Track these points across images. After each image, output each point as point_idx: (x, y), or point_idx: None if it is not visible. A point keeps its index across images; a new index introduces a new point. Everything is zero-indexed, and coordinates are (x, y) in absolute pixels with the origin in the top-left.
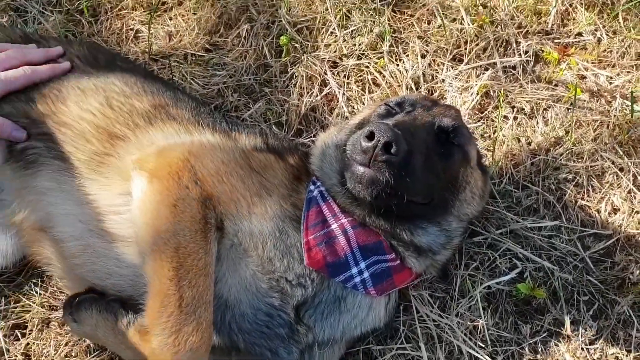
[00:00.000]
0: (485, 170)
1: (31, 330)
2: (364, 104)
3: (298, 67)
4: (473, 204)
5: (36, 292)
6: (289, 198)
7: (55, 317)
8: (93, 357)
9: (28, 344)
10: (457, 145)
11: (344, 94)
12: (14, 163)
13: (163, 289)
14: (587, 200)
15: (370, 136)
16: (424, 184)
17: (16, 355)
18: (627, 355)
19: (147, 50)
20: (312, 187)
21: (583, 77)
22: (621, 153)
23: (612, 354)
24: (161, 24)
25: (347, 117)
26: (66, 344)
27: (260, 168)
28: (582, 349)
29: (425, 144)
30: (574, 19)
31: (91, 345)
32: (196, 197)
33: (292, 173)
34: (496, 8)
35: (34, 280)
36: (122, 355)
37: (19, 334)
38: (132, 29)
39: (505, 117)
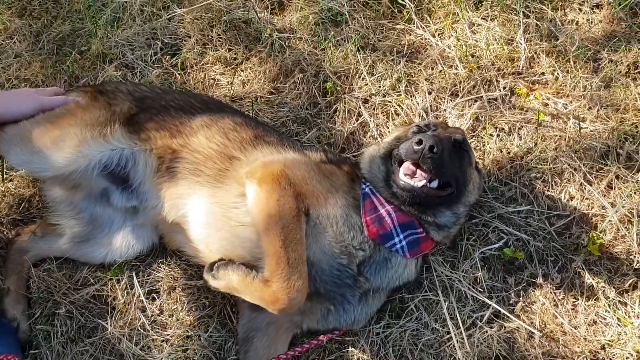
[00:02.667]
0: (480, 170)
1: (162, 294)
2: (388, 128)
3: (340, 103)
4: (473, 194)
5: (163, 267)
6: (349, 193)
7: (178, 284)
8: (207, 310)
9: (161, 303)
10: (465, 151)
11: (373, 121)
12: (161, 177)
13: (276, 253)
14: (551, 191)
15: (419, 142)
16: (450, 173)
17: (154, 311)
18: (581, 296)
19: (227, 94)
20: (363, 186)
21: (546, 105)
22: (575, 158)
23: (571, 295)
24: (236, 75)
25: (376, 138)
26: (188, 302)
27: (328, 174)
28: (550, 292)
29: (448, 150)
30: (538, 63)
31: (206, 302)
32: (292, 194)
33: (349, 177)
34: (481, 57)
35: (160, 260)
36: (246, 298)
37: (154, 296)
38: (213, 79)
39: (490, 135)
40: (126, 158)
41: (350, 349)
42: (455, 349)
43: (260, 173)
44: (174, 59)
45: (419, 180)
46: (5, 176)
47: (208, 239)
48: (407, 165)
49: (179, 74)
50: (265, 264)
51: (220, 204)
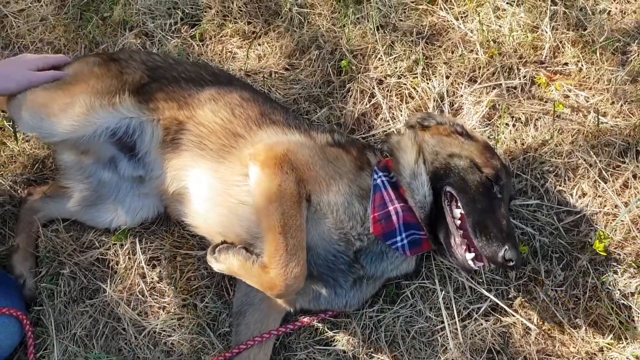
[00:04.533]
0: None
1: (163, 261)
2: (402, 112)
3: (353, 83)
4: None
5: (166, 236)
6: (354, 181)
7: (179, 253)
8: (205, 280)
9: (161, 270)
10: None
11: (386, 103)
12: (165, 147)
13: (275, 239)
14: (563, 186)
15: (509, 260)
16: None
17: (153, 278)
18: (583, 295)
19: (242, 68)
20: (375, 177)
21: (567, 96)
22: (591, 153)
23: (573, 294)
24: (252, 48)
25: (388, 121)
26: (187, 272)
27: (333, 159)
28: (552, 289)
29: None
30: (562, 52)
31: (205, 273)
32: (293, 179)
33: (355, 163)
34: (503, 43)
35: (164, 228)
36: (247, 282)
37: (155, 264)
38: (230, 52)
39: (506, 124)
40: (134, 127)
41: (342, 330)
42: (447, 338)
43: (264, 156)
44: (193, 29)
45: (481, 263)
46: (21, 136)
47: (207, 213)
48: (466, 245)
49: (197, 44)
50: (264, 248)
51: (222, 179)
